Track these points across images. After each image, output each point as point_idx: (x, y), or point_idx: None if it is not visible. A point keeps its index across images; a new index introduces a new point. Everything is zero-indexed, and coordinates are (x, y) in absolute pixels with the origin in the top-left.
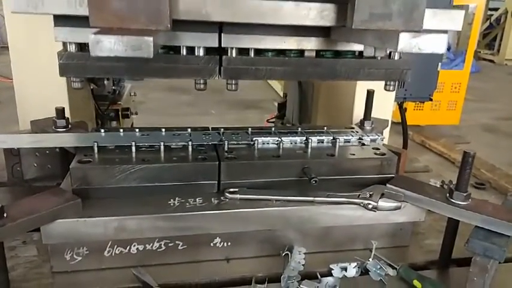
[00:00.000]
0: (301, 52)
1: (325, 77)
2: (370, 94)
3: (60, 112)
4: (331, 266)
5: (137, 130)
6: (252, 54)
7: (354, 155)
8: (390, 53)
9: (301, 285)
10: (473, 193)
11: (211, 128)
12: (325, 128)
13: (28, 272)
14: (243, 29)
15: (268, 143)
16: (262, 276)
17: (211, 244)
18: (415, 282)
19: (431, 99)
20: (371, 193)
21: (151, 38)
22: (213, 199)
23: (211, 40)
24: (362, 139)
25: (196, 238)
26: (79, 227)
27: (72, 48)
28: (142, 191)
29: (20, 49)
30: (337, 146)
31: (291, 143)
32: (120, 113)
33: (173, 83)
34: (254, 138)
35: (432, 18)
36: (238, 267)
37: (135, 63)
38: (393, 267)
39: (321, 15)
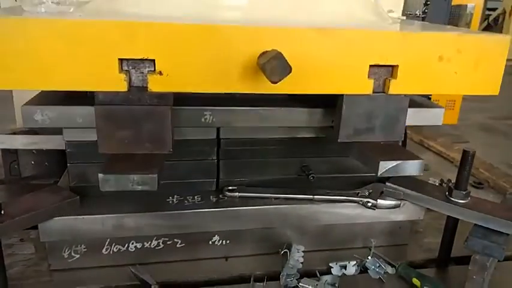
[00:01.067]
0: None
1: (318, 155)
2: None
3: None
4: (330, 264)
5: None
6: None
7: None
8: None
9: (300, 283)
10: (471, 192)
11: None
12: None
13: (26, 269)
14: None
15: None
16: (261, 274)
17: (210, 242)
18: (414, 281)
19: (429, 98)
20: (370, 191)
21: (155, 176)
22: (211, 197)
23: (210, 134)
24: None
25: (194, 236)
26: (77, 224)
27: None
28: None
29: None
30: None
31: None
32: None
33: None
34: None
35: (414, 115)
36: (237, 265)
37: None
38: (392, 266)
39: (310, 120)
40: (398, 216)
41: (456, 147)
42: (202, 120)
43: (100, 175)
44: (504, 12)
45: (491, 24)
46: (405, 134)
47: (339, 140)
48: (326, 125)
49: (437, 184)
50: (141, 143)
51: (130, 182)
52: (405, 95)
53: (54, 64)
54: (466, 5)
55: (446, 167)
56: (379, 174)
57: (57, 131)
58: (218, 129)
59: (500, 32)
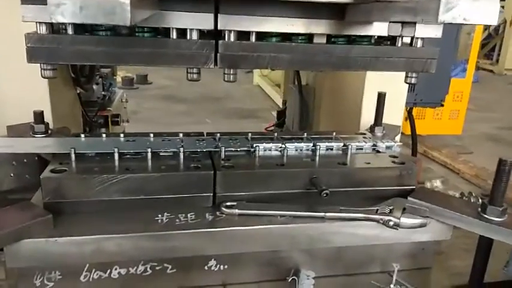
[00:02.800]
0: (309, 38)
1: (338, 67)
2: (381, 97)
3: (38, 116)
4: None
5: (122, 135)
6: (253, 38)
7: (369, 163)
8: (412, 40)
9: None
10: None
11: (206, 133)
12: (334, 133)
13: None
14: (243, 8)
15: (270, 150)
16: None
17: (206, 267)
18: None
19: (442, 105)
20: (391, 208)
21: (128, 1)
22: (207, 215)
23: (205, 21)
24: (376, 146)
25: (187, 260)
26: (50, 247)
27: (42, 30)
28: (125, 206)
29: None
30: (349, 153)
31: (297, 150)
32: (109, 119)
33: (168, 92)
34: (255, 145)
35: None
36: None
37: (117, 47)
38: None
39: None
40: (423, 236)
41: (461, 158)
42: None
43: None
44: (505, 22)
45: (492, 34)
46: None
47: None
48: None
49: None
50: None
51: (93, 8)
52: None
53: None
54: None
55: (452, 179)
56: (439, 19)
57: None
58: (216, 21)
59: (501, 41)
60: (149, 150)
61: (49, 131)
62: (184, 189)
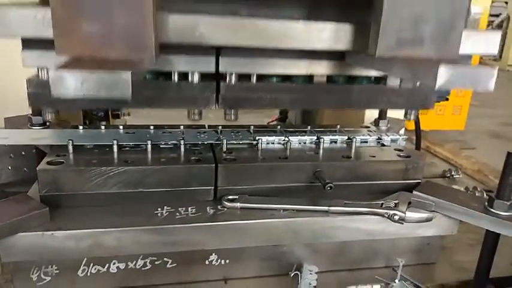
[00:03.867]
0: (310, 77)
1: (338, 106)
2: None
3: (36, 108)
4: None
5: (121, 127)
6: (253, 80)
7: (373, 157)
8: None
9: None
10: None
11: (208, 126)
12: (338, 126)
13: None
14: (244, 51)
15: (273, 143)
16: None
17: (206, 262)
18: None
19: (447, 99)
20: (396, 202)
21: (129, 74)
22: (208, 208)
23: (207, 65)
24: (381, 139)
25: (188, 255)
26: (46, 241)
27: (44, 75)
28: (124, 199)
29: None
30: (354, 146)
31: (300, 143)
32: (110, 112)
33: None
34: (257, 137)
35: (465, 41)
36: None
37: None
38: None
39: (335, 38)
40: (428, 231)
41: (464, 154)
42: (197, 34)
43: (51, 72)
44: (508, 18)
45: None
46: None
47: (377, 54)
48: (355, 49)
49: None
50: (111, 42)
51: (96, 82)
52: None
53: None
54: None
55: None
56: (437, 85)
57: None
58: (217, 64)
59: (504, 38)
60: (149, 142)
61: (47, 123)
62: (185, 183)
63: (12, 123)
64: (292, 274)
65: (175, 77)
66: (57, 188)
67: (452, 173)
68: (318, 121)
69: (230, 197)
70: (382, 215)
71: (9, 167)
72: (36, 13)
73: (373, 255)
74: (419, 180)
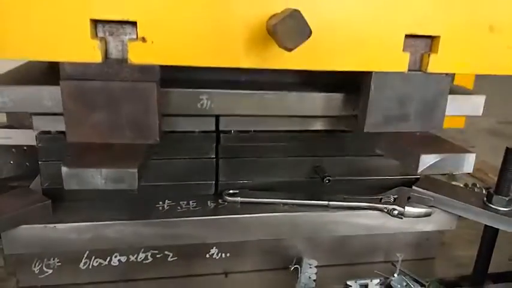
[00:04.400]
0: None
1: (335, 154)
2: None
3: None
4: (348, 283)
5: None
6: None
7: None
8: None
9: None
10: None
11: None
12: None
13: None
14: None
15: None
16: None
17: (207, 255)
18: None
19: None
20: (395, 197)
21: (135, 171)
22: (209, 202)
23: (207, 124)
24: None
25: (189, 248)
26: (48, 234)
27: (53, 132)
28: (126, 192)
29: None
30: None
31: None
32: None
33: None
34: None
35: (451, 103)
36: (239, 282)
37: None
38: (421, 284)
39: (327, 107)
40: (427, 226)
41: None
42: (198, 106)
43: (64, 169)
44: None
45: None
46: None
47: (364, 130)
48: (346, 114)
49: None
50: (119, 130)
51: (103, 178)
52: (447, 74)
53: (7, 25)
54: None
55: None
56: (419, 171)
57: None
58: (217, 121)
59: None
60: None
61: None
62: (186, 176)
63: (14, 118)
64: (292, 268)
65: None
66: (59, 181)
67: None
68: None
69: (231, 191)
70: (381, 210)
71: (11, 162)
72: (50, 93)
73: (373, 249)
74: (419, 176)
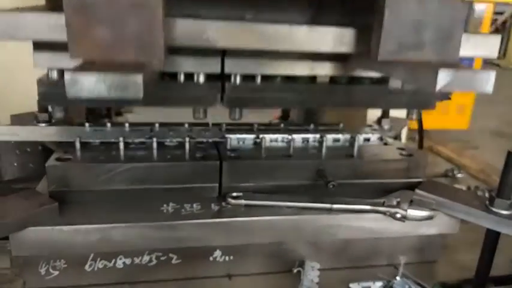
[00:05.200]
0: (313, 78)
1: (340, 105)
2: None
3: (44, 107)
4: (351, 286)
5: (127, 124)
6: (258, 80)
7: (376, 155)
8: None
9: None
10: None
11: (212, 123)
12: (341, 125)
13: None
14: (249, 53)
15: (276, 141)
16: None
17: (211, 258)
18: None
19: (449, 98)
20: (398, 200)
21: (140, 77)
22: (213, 205)
23: (213, 66)
24: (384, 138)
25: (193, 251)
26: (55, 236)
27: (54, 75)
28: (131, 195)
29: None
30: (356, 145)
31: (303, 142)
32: (112, 109)
33: None
34: (261, 135)
35: (465, 43)
36: (242, 285)
37: None
38: (423, 287)
39: (338, 42)
40: (430, 229)
41: (467, 153)
42: (203, 37)
43: (67, 75)
44: None
45: (499, 29)
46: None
47: (379, 58)
48: (358, 51)
49: None
50: (123, 46)
51: (107, 85)
52: (463, 1)
53: None
54: (473, 8)
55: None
56: (437, 88)
57: None
58: (223, 65)
59: (508, 36)
60: (154, 139)
61: (52, 120)
62: (190, 179)
63: (19, 120)
64: (295, 271)
65: (181, 77)
66: (65, 184)
67: (455, 172)
68: (319, 119)
69: (234, 194)
70: (384, 213)
71: (15, 164)
72: (50, 18)
73: (375, 252)
74: (421, 179)
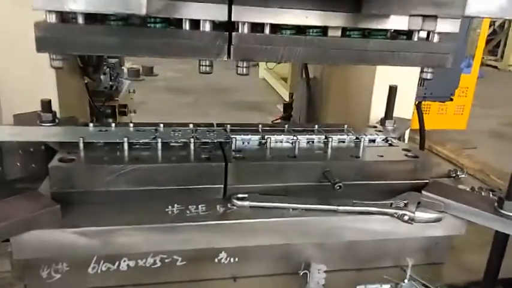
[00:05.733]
0: (324, 31)
1: (353, 61)
2: (392, 90)
3: (45, 105)
4: None
5: (131, 125)
6: (267, 31)
7: (382, 156)
8: (428, 35)
9: None
10: None
11: (216, 124)
12: (346, 126)
13: None
14: (258, 1)
15: (281, 142)
16: None
17: (216, 260)
18: None
19: (451, 99)
20: (405, 202)
21: None
22: (218, 207)
23: (219, 12)
24: (389, 139)
25: (198, 253)
26: (58, 239)
27: (52, 19)
28: (135, 196)
29: (5, 36)
30: (362, 146)
31: (308, 142)
32: (117, 110)
33: (173, 84)
34: (266, 136)
35: None
36: (247, 287)
37: (128, 38)
38: None
39: None
40: (437, 231)
41: (465, 153)
42: None
43: None
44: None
45: (497, 31)
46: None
47: None
48: None
49: None
50: None
51: None
52: None
53: None
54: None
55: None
56: (466, 12)
57: None
58: (230, 12)
59: (506, 38)
60: (159, 140)
61: (56, 120)
62: (195, 181)
63: (22, 120)
64: (301, 273)
65: (187, 26)
66: (68, 186)
67: (458, 172)
68: (322, 119)
69: (240, 195)
70: (391, 215)
71: (18, 163)
72: None
73: (382, 254)
74: (427, 181)
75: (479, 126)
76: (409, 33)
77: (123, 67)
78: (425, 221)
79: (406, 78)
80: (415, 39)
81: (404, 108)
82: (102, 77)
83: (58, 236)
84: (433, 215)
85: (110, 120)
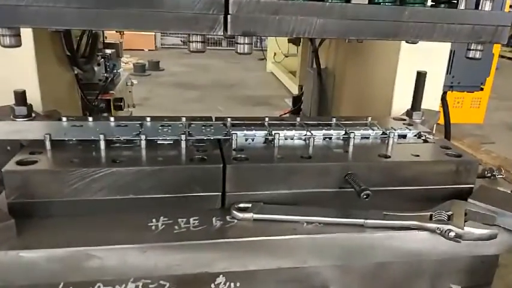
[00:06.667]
0: None
1: (383, 35)
2: (421, 77)
3: (19, 97)
4: None
5: (112, 119)
6: None
7: (417, 156)
8: (477, 2)
9: None
10: None
11: (215, 118)
12: (370, 118)
13: None
14: None
15: (292, 138)
16: None
17: (213, 285)
18: None
19: (482, 89)
20: (449, 213)
21: None
22: (214, 220)
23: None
24: (423, 134)
25: (190, 277)
26: (11, 262)
27: None
28: (111, 208)
29: None
30: (391, 143)
31: (325, 139)
32: (111, 103)
33: (180, 78)
34: (273, 132)
35: None
36: None
37: (95, 7)
38: None
39: None
40: (490, 248)
41: (483, 148)
42: None
43: None
44: None
45: None
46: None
47: None
48: None
49: None
50: None
51: None
52: None
53: None
54: None
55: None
56: None
57: None
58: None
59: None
60: (143, 137)
61: (33, 114)
62: (186, 187)
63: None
64: None
65: None
66: (28, 194)
67: (494, 172)
68: (334, 112)
69: (241, 205)
70: (433, 230)
71: None
72: None
73: (416, 277)
74: (472, 185)
75: (497, 120)
76: (452, 1)
77: (120, 58)
78: (476, 238)
79: (433, 65)
80: (462, 7)
81: (431, 98)
82: (95, 68)
83: (12, 259)
84: (486, 231)
85: (105, 115)
